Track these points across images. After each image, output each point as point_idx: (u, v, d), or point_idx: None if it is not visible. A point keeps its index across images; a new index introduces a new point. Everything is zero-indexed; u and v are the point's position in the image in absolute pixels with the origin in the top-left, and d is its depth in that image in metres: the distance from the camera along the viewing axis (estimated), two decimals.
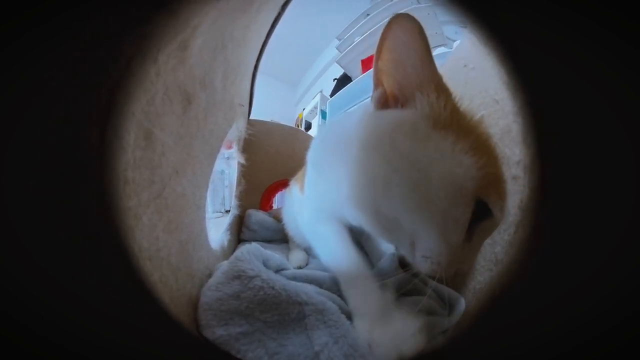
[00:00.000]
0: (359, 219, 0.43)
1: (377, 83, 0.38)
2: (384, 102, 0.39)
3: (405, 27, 0.33)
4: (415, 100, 0.36)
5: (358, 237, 0.58)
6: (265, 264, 0.46)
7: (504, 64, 0.21)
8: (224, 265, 0.42)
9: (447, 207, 0.33)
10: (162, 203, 0.32)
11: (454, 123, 0.34)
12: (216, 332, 0.34)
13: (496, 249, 0.45)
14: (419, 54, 0.34)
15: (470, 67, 0.61)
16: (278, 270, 0.50)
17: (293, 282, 0.42)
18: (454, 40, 1.79)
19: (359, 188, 0.39)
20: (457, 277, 0.49)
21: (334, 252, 0.51)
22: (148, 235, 0.29)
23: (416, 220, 0.35)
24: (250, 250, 0.45)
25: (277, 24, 0.78)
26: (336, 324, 0.38)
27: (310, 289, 0.44)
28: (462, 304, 0.46)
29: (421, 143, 0.34)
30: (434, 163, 0.33)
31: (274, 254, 0.51)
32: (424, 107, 0.35)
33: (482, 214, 0.35)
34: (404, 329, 0.38)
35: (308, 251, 0.74)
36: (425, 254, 0.36)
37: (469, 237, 0.36)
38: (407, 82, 0.36)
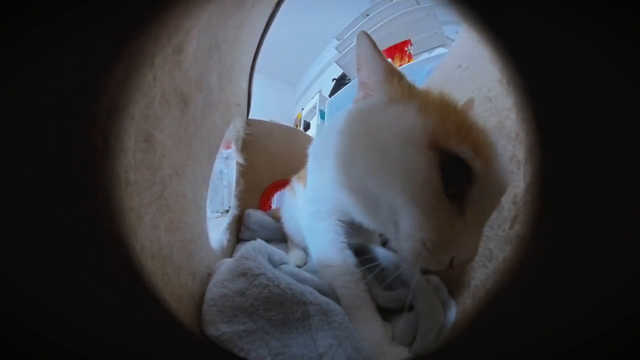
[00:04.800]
0: (349, 204, 0.44)
1: (360, 89, 0.45)
2: (362, 99, 0.44)
3: (362, 43, 0.41)
4: (378, 91, 0.41)
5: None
6: (270, 259, 0.46)
7: (506, 63, 0.21)
8: (229, 262, 0.42)
9: (401, 160, 0.33)
10: (163, 203, 0.32)
11: (404, 95, 0.38)
12: (220, 328, 0.34)
13: (490, 245, 0.44)
14: (375, 58, 0.41)
15: (464, 67, 0.61)
16: (280, 264, 0.51)
17: (298, 283, 0.42)
18: (454, 41, 1.79)
19: (336, 168, 0.41)
20: (458, 270, 0.48)
21: (330, 260, 0.52)
22: (150, 235, 0.29)
23: (383, 185, 0.35)
24: (256, 247, 0.45)
25: (272, 23, 0.78)
26: (340, 326, 0.38)
27: (315, 286, 0.45)
28: (452, 312, 0.45)
29: (375, 115, 0.38)
30: (385, 126, 0.36)
31: (277, 250, 0.51)
32: (382, 93, 0.40)
33: (459, 172, 0.32)
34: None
35: (307, 250, 0.74)
36: (407, 231, 0.33)
37: (459, 210, 0.33)
38: (374, 81, 0.42)
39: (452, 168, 0.31)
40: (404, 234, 0.34)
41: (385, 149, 0.34)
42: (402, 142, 0.33)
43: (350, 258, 0.51)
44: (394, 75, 0.40)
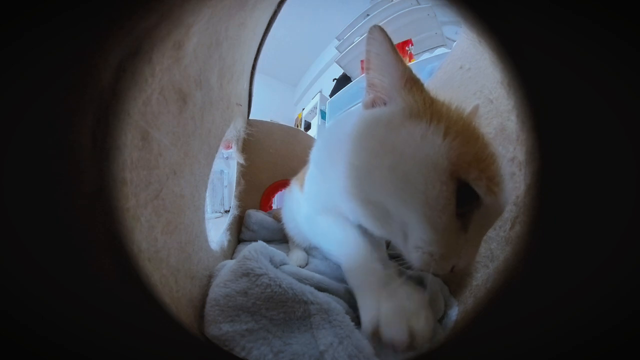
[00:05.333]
0: (355, 213, 0.44)
1: (369, 91, 0.42)
2: (372, 104, 0.42)
3: (376, 40, 0.38)
4: (394, 98, 0.39)
5: None
6: (272, 261, 0.46)
7: (505, 64, 0.21)
8: (232, 263, 0.42)
9: (422, 185, 0.33)
10: (160, 204, 0.32)
11: (427, 111, 0.37)
12: (222, 327, 0.34)
13: (492, 245, 0.45)
14: (391, 61, 0.38)
15: (466, 68, 0.61)
16: (282, 265, 0.51)
17: (299, 282, 0.42)
18: (454, 41, 1.79)
19: (349, 179, 0.40)
20: (456, 275, 0.48)
21: (335, 237, 0.51)
22: (147, 236, 0.29)
23: (398, 202, 0.35)
24: (258, 248, 0.45)
25: (273, 22, 0.78)
26: (341, 325, 0.38)
27: (316, 283, 0.45)
28: (454, 311, 0.46)
29: (396, 130, 0.37)
30: (407, 145, 0.35)
31: (278, 251, 0.51)
32: (399, 102, 0.39)
33: (469, 198, 0.34)
34: (412, 303, 0.38)
35: (308, 251, 0.74)
36: (417, 243, 0.35)
37: (463, 226, 0.35)
38: (388, 85, 0.40)
39: (463, 193, 0.34)
40: (414, 245, 0.36)
41: (406, 170, 0.34)
42: (425, 167, 0.34)
43: (360, 238, 0.49)
44: (414, 84, 0.38)
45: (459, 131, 0.35)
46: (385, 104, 0.41)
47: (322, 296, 0.41)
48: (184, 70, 0.36)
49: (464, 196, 0.34)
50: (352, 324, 0.39)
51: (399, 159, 0.35)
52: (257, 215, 0.92)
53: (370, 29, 0.38)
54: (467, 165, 0.33)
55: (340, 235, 0.50)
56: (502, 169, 0.35)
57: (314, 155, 0.57)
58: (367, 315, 0.39)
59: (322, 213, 0.55)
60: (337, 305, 0.41)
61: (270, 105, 2.65)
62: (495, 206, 0.35)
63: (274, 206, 1.16)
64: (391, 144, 0.36)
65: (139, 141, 0.28)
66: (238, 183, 0.92)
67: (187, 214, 0.41)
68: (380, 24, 0.38)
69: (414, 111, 0.37)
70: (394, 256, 0.44)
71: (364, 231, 0.52)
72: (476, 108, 0.50)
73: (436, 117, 0.36)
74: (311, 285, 0.44)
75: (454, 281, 0.50)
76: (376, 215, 0.40)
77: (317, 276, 0.48)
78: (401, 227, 0.37)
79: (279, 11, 0.75)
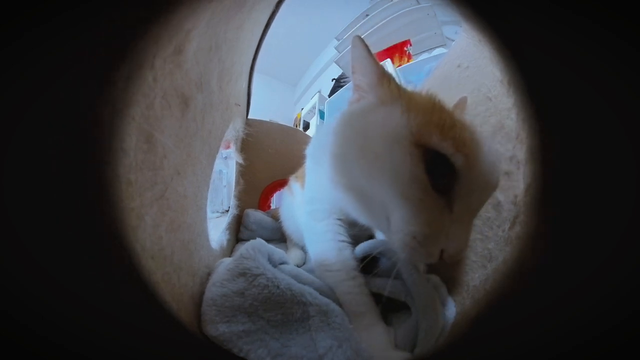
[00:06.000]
0: (343, 202, 0.45)
1: (354, 90, 0.46)
2: (356, 102, 0.45)
3: (356, 46, 0.43)
4: (370, 93, 0.43)
5: None
6: (270, 259, 0.46)
7: (506, 64, 0.21)
8: (228, 262, 0.42)
9: (389, 158, 0.34)
10: (164, 203, 0.32)
11: (393, 97, 0.39)
12: (219, 328, 0.34)
13: (489, 245, 0.44)
14: (368, 61, 0.42)
15: (464, 67, 0.61)
16: (280, 264, 0.51)
17: (298, 283, 0.42)
18: (454, 41, 1.79)
19: (332, 168, 0.42)
20: (450, 267, 0.48)
21: (327, 260, 0.51)
22: (151, 235, 0.29)
23: (374, 183, 0.36)
24: (256, 246, 0.45)
25: (272, 23, 0.78)
26: (340, 327, 0.38)
27: (316, 287, 0.45)
28: (452, 311, 0.46)
29: (366, 117, 0.40)
30: (373, 127, 0.38)
31: (277, 249, 0.51)
32: (373, 95, 0.42)
33: (443, 168, 0.33)
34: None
35: (306, 250, 0.74)
36: (398, 226, 0.34)
37: (448, 205, 0.34)
38: (367, 83, 0.43)
39: (436, 164, 0.33)
40: (395, 228, 0.35)
41: (374, 149, 0.36)
42: (388, 141, 0.35)
43: (350, 260, 0.50)
44: (384, 78, 0.42)
45: (420, 105, 0.37)
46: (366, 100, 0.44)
47: (322, 297, 0.41)
48: (185, 74, 0.36)
49: (439, 167, 0.33)
50: (351, 326, 0.39)
51: (368, 140, 0.37)
52: (255, 215, 0.92)
53: (353, 39, 0.43)
54: (428, 131, 0.33)
55: (334, 260, 0.51)
56: (478, 136, 0.35)
57: (310, 150, 0.59)
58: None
59: (321, 216, 0.55)
60: (336, 307, 0.41)
61: (269, 105, 2.65)
62: (477, 176, 0.33)
63: (273, 206, 1.16)
64: (362, 129, 0.39)
65: (144, 144, 0.28)
66: (237, 183, 0.92)
67: (190, 213, 0.41)
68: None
69: (383, 100, 0.40)
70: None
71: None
72: (463, 100, 0.52)
73: (399, 99, 0.38)
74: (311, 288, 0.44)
75: (451, 282, 0.50)
76: (360, 202, 0.40)
77: (318, 281, 0.48)
78: (383, 211, 0.36)
79: (277, 11, 0.75)
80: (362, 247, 0.52)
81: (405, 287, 0.46)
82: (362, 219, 0.44)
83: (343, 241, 0.53)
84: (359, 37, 0.43)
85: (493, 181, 0.35)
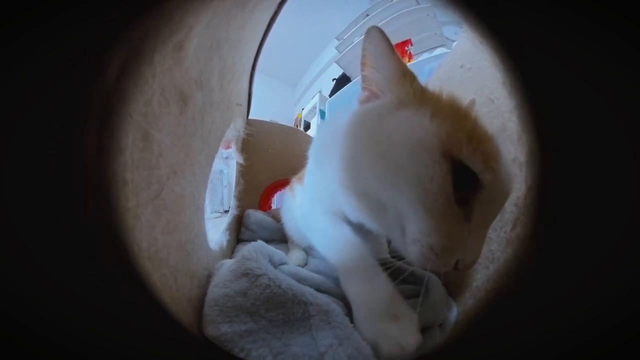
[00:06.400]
0: (352, 208, 0.43)
1: (364, 87, 0.43)
2: (366, 100, 0.43)
3: (374, 38, 0.39)
4: (387, 92, 0.40)
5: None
6: (271, 260, 0.46)
7: (506, 64, 0.21)
8: (231, 263, 0.42)
9: (415, 167, 0.32)
10: (160, 204, 0.32)
11: (416, 99, 0.37)
12: (221, 328, 0.34)
13: (492, 247, 0.44)
14: (387, 56, 0.39)
15: (467, 67, 0.61)
16: (280, 264, 0.51)
17: (299, 283, 0.42)
18: (454, 41, 1.79)
19: (344, 172, 0.40)
20: (462, 274, 0.48)
21: (333, 239, 0.50)
22: (147, 236, 0.29)
23: (392, 191, 0.35)
24: (257, 248, 0.45)
25: (274, 23, 0.77)
26: (341, 326, 0.38)
27: (316, 284, 0.45)
28: (453, 312, 0.46)
29: (385, 119, 0.37)
30: (396, 132, 0.35)
31: (277, 251, 0.51)
32: (390, 94, 0.39)
33: (467, 180, 0.32)
34: (407, 326, 0.38)
35: (307, 251, 0.74)
36: (415, 236, 0.33)
37: (466, 215, 0.33)
38: (383, 81, 0.40)
39: (461, 175, 0.32)
40: (412, 239, 0.34)
41: (396, 156, 0.34)
42: (415, 150, 0.33)
43: (354, 236, 0.49)
44: (407, 77, 0.39)
45: (448, 111, 0.34)
46: (379, 99, 0.41)
47: (322, 297, 0.41)
48: (185, 71, 0.36)
49: (462, 179, 0.32)
50: (352, 325, 0.39)
51: (389, 146, 0.35)
52: (256, 215, 0.92)
53: (370, 30, 0.39)
54: (459, 142, 0.32)
55: (339, 239, 0.50)
56: (500, 147, 0.34)
57: (312, 151, 0.57)
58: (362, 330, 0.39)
59: (322, 212, 0.55)
60: (336, 307, 0.41)
61: (269, 105, 2.65)
62: (498, 188, 0.33)
63: (274, 206, 1.16)
64: (380, 133, 0.36)
65: (140, 142, 0.28)
66: (237, 183, 0.92)
67: (187, 213, 0.41)
68: (379, 24, 0.39)
69: (404, 100, 0.37)
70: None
71: (361, 236, 0.53)
72: (472, 102, 0.50)
73: (424, 102, 0.36)
74: (310, 286, 0.44)
75: (454, 282, 0.50)
76: (372, 208, 0.39)
77: (317, 277, 0.48)
78: (398, 220, 0.36)
79: (280, 11, 0.75)
80: None
81: (414, 291, 0.47)
82: (372, 225, 0.43)
83: (344, 224, 0.52)
84: (378, 28, 0.39)
85: (509, 190, 0.35)
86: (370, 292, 0.41)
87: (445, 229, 0.32)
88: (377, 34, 0.38)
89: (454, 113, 0.35)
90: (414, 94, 0.37)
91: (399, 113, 0.36)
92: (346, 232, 0.49)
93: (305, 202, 0.61)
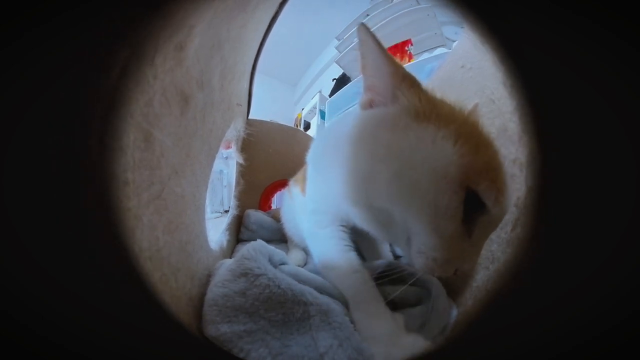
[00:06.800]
0: (357, 217, 0.43)
1: (366, 90, 0.41)
2: (369, 104, 0.41)
3: (362, 39, 0.37)
4: (396, 98, 0.37)
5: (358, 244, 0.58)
6: (271, 260, 0.46)
7: (506, 64, 0.21)
8: (230, 262, 0.42)
9: (432, 193, 0.32)
10: (161, 204, 0.32)
11: (433, 113, 0.35)
12: (220, 328, 0.34)
13: (492, 247, 0.44)
14: (378, 56, 0.37)
15: (467, 68, 0.61)
16: (280, 264, 0.50)
17: (299, 283, 0.42)
18: (454, 41, 1.79)
19: (350, 184, 0.39)
20: (458, 278, 0.48)
21: (337, 270, 0.50)
22: (148, 236, 0.29)
23: (404, 210, 0.35)
24: (257, 247, 0.44)
25: (274, 23, 0.77)
26: (341, 326, 0.38)
27: (316, 286, 0.45)
28: (453, 313, 0.46)
29: (402, 133, 0.35)
30: (415, 151, 0.34)
31: (277, 250, 0.51)
32: (402, 102, 0.37)
33: (476, 205, 0.33)
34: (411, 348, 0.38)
35: (307, 251, 0.74)
36: (420, 248, 0.35)
37: (468, 232, 0.35)
38: (385, 82, 0.38)
39: (471, 202, 0.33)
40: (416, 249, 0.36)
41: (414, 177, 0.33)
42: (435, 176, 0.32)
43: (355, 260, 0.50)
44: (412, 83, 0.37)
45: (469, 136, 0.34)
46: (384, 104, 0.39)
47: (322, 297, 0.41)
48: (186, 71, 0.36)
49: (471, 204, 0.33)
50: (352, 325, 0.39)
51: (406, 165, 0.34)
52: (256, 215, 0.92)
53: (358, 28, 0.37)
54: (477, 175, 0.32)
55: (339, 260, 0.50)
56: (507, 175, 0.35)
57: (311, 156, 0.57)
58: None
59: (324, 223, 0.55)
60: (336, 307, 0.41)
61: (269, 105, 2.65)
62: (500, 213, 0.35)
63: (274, 206, 1.16)
64: (397, 148, 0.35)
65: (142, 142, 0.28)
66: (237, 183, 0.92)
67: (188, 213, 0.41)
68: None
69: (419, 113, 0.35)
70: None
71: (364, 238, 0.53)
72: (476, 106, 0.49)
73: (444, 121, 0.34)
74: (311, 287, 0.44)
75: (455, 283, 0.50)
76: (379, 220, 0.39)
77: (318, 279, 0.48)
78: (405, 232, 0.36)
79: (281, 12, 0.75)
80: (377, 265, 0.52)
81: (416, 293, 0.47)
82: (377, 234, 0.43)
83: (347, 245, 0.53)
84: (364, 26, 0.37)
85: (507, 211, 0.36)
86: (374, 327, 0.41)
87: (449, 245, 0.34)
88: (365, 34, 0.36)
89: (475, 137, 0.34)
90: (428, 105, 0.36)
91: (417, 129, 0.35)
92: (352, 260, 0.50)
93: (307, 216, 0.60)
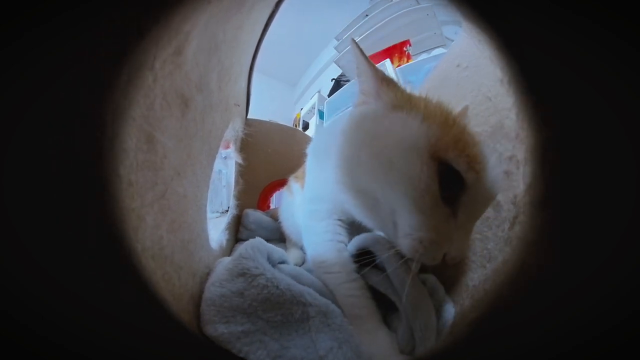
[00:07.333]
0: (348, 204, 0.45)
1: (359, 93, 0.46)
2: (362, 104, 0.46)
3: (353, 50, 0.44)
4: (379, 96, 0.43)
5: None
6: (269, 258, 0.46)
7: (506, 64, 0.21)
8: (227, 261, 0.41)
9: (405, 167, 0.35)
10: (165, 204, 0.32)
11: (407, 103, 0.40)
12: (218, 328, 0.34)
13: (489, 245, 0.44)
14: (364, 65, 0.44)
15: (463, 67, 0.61)
16: (280, 263, 0.50)
17: (298, 283, 0.42)
18: (454, 41, 1.79)
19: (340, 169, 0.42)
20: (451, 268, 0.48)
21: (324, 259, 0.51)
22: (151, 235, 0.29)
23: (385, 188, 0.37)
24: (255, 245, 0.44)
25: (271, 22, 0.77)
26: (340, 328, 0.38)
27: (317, 288, 0.44)
28: (450, 312, 0.45)
29: (380, 121, 0.40)
30: (389, 133, 0.38)
31: (277, 248, 0.50)
32: (383, 99, 0.42)
33: (453, 180, 0.35)
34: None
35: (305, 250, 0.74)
36: (406, 230, 0.36)
37: (453, 213, 0.36)
38: (369, 88, 0.44)
39: (447, 176, 0.35)
40: (403, 232, 0.36)
41: (389, 156, 0.36)
42: (406, 151, 0.36)
43: (350, 262, 0.49)
44: (390, 83, 0.43)
45: (437, 117, 0.38)
46: (371, 103, 0.44)
47: (321, 298, 0.41)
48: (185, 75, 0.36)
49: (449, 180, 0.35)
50: (351, 327, 0.39)
51: (383, 146, 0.37)
52: (255, 215, 0.92)
53: (350, 41, 0.45)
54: (445, 145, 0.35)
55: (333, 261, 0.50)
56: (486, 152, 0.37)
57: (311, 148, 0.60)
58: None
59: (322, 215, 0.55)
60: (336, 308, 0.41)
61: (268, 105, 2.65)
62: (482, 190, 0.36)
63: (272, 205, 1.16)
64: (375, 134, 0.39)
65: (144, 144, 0.28)
66: (236, 183, 0.91)
67: (190, 213, 0.41)
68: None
69: (395, 104, 0.40)
70: None
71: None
72: (465, 109, 0.52)
73: (415, 107, 0.39)
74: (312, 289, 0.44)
75: (450, 282, 0.50)
76: (367, 205, 0.41)
77: (318, 282, 0.48)
78: (391, 216, 0.38)
79: (277, 11, 0.75)
80: (355, 242, 0.51)
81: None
82: (367, 221, 0.45)
83: (342, 242, 0.52)
84: (353, 40, 0.45)
85: (494, 193, 0.38)
86: (369, 346, 0.40)
87: (433, 224, 0.35)
88: (354, 47, 0.44)
89: (443, 118, 0.38)
90: (402, 97, 0.41)
91: (391, 116, 0.40)
92: (347, 264, 0.50)
93: (305, 205, 0.61)
